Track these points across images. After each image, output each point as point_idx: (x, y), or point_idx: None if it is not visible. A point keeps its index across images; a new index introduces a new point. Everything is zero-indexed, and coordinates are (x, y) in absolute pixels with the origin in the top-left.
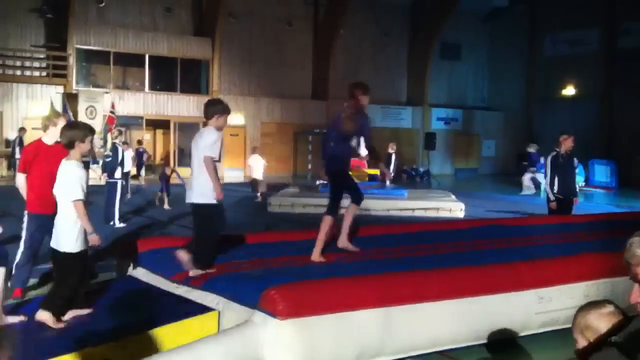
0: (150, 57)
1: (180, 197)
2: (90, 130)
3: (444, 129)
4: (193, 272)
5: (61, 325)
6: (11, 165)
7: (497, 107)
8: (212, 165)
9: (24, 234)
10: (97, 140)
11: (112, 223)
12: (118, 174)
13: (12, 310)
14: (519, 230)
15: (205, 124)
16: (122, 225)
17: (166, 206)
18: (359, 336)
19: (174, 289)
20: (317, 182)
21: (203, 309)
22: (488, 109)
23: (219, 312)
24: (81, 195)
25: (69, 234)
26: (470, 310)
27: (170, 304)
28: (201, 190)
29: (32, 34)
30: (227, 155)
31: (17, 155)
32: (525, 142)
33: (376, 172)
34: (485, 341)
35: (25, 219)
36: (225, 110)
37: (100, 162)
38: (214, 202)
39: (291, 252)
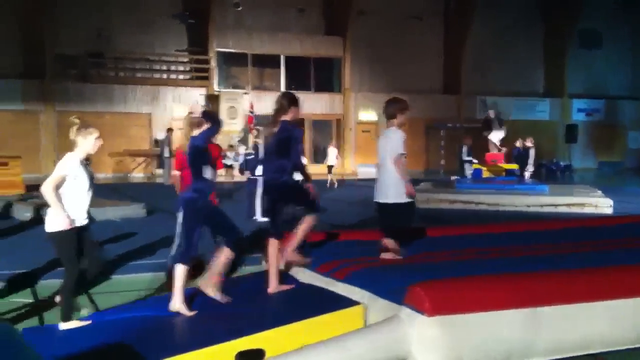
0: (284, 57)
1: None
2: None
3: (586, 121)
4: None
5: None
6: (161, 164)
7: None
8: (403, 164)
9: (178, 227)
10: (236, 139)
11: (254, 218)
12: (259, 171)
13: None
14: None
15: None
16: (264, 219)
17: None
18: (506, 336)
19: (318, 281)
20: (452, 178)
21: (349, 303)
22: (634, 98)
23: (365, 306)
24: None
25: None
26: (624, 313)
27: (315, 296)
28: (392, 190)
29: (176, 40)
30: (358, 152)
31: (166, 155)
32: None
33: (514, 166)
34: None
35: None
36: (406, 108)
37: (240, 160)
38: (406, 200)
39: (432, 248)
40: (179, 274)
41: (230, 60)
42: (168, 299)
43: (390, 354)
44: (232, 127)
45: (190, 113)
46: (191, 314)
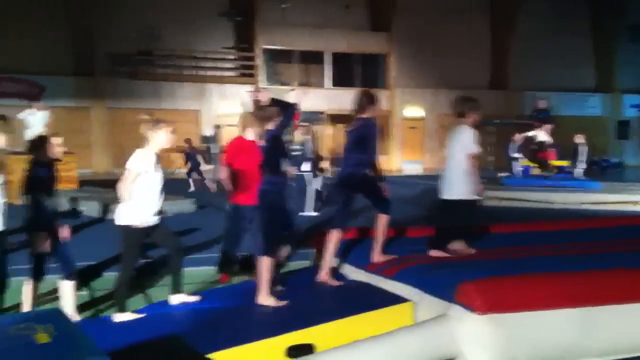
0: (330, 53)
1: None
2: None
3: (638, 117)
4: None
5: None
6: (208, 160)
7: None
8: (473, 162)
9: (228, 223)
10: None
11: (304, 213)
12: (307, 166)
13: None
14: None
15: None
16: (314, 214)
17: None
18: (559, 336)
19: (367, 278)
20: (499, 175)
21: (398, 300)
22: None
23: (414, 303)
24: None
25: None
26: None
27: (364, 293)
28: (458, 187)
29: (223, 37)
30: (405, 148)
31: (214, 151)
32: None
33: (565, 163)
34: None
35: (228, 209)
36: (477, 107)
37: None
38: (473, 197)
39: (482, 246)
40: (263, 266)
41: (275, 57)
42: (218, 292)
43: (440, 352)
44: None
45: (257, 102)
46: (281, 304)
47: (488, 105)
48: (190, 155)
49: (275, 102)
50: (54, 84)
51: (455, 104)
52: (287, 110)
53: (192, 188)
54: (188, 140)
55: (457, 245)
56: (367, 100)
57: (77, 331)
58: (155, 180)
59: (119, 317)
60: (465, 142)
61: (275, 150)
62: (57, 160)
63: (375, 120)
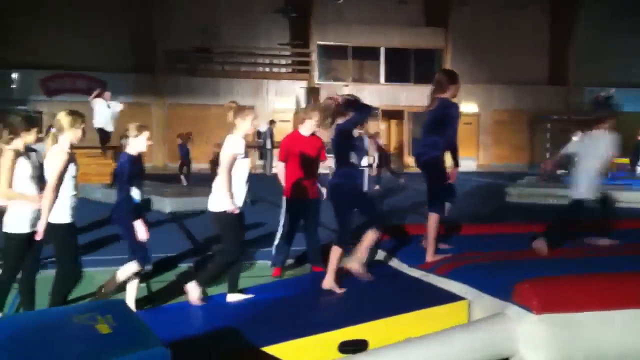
0: (384, 49)
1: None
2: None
3: None
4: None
5: None
6: (262, 156)
7: None
8: (608, 165)
9: (282, 218)
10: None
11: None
12: (364, 162)
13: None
14: None
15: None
16: None
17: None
18: (620, 337)
19: (421, 276)
20: (558, 172)
21: (453, 298)
22: None
23: (469, 301)
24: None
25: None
26: None
27: (419, 290)
28: (586, 187)
29: (278, 34)
30: (459, 144)
31: (268, 146)
32: None
33: (625, 160)
34: None
35: (284, 203)
36: (614, 115)
37: None
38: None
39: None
40: (334, 255)
41: (330, 53)
42: (272, 286)
43: (495, 351)
44: None
45: (331, 99)
46: (341, 291)
47: (546, 101)
48: (183, 148)
49: (348, 103)
50: (116, 80)
51: (593, 108)
52: (362, 108)
53: (185, 183)
54: (185, 134)
55: (539, 243)
56: (447, 79)
57: (137, 322)
58: (245, 165)
59: (232, 298)
60: (603, 147)
61: (344, 143)
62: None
63: (455, 101)
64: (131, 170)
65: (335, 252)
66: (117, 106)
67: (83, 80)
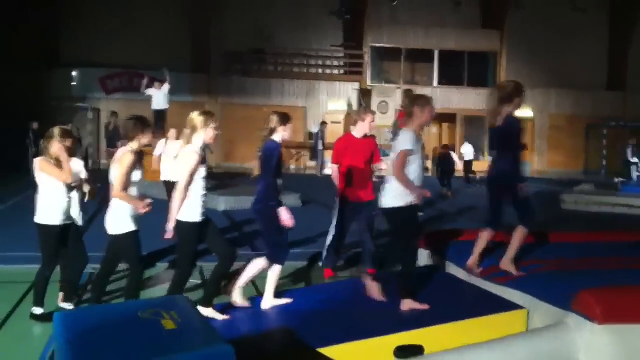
0: (438, 51)
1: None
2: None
3: None
4: None
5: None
6: (314, 157)
7: None
8: None
9: (334, 219)
10: (388, 134)
11: None
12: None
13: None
14: None
15: None
16: (420, 214)
17: None
18: None
19: (480, 283)
20: (616, 180)
21: (511, 306)
22: None
23: (528, 310)
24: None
25: None
26: None
27: (477, 297)
28: None
29: (332, 35)
30: None
31: (320, 147)
32: None
33: None
34: None
35: (337, 205)
36: None
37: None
38: None
39: (597, 254)
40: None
41: (383, 55)
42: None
43: None
44: (383, 121)
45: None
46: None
47: (604, 107)
48: None
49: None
50: (174, 80)
51: None
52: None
53: None
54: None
55: None
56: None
57: (200, 318)
58: (419, 157)
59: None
60: None
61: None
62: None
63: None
64: (279, 158)
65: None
66: (166, 87)
67: (140, 78)
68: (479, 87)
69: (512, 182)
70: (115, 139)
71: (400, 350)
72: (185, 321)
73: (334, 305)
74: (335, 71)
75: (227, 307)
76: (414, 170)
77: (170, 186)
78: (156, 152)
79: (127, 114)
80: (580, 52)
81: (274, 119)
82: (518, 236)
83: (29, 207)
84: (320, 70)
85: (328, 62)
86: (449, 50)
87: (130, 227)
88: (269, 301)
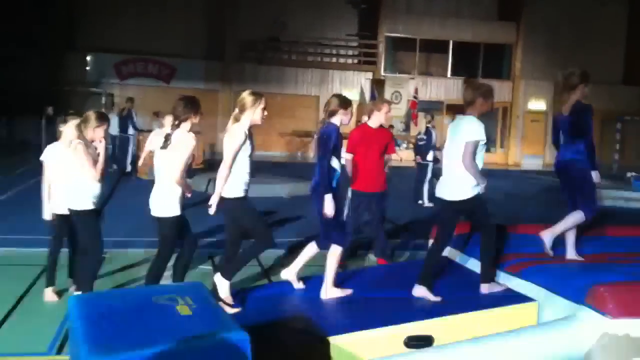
0: (453, 42)
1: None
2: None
3: None
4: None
5: None
6: None
7: None
8: None
9: (346, 208)
10: (399, 124)
11: (420, 202)
12: (430, 156)
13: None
14: None
15: None
16: (430, 205)
17: None
18: None
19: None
20: (628, 175)
21: (522, 298)
22: None
23: (539, 303)
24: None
25: None
26: None
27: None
28: None
29: (347, 25)
30: (525, 142)
31: None
32: None
33: None
34: None
35: (349, 195)
36: None
37: (404, 145)
38: None
39: (610, 249)
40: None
41: (397, 45)
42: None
43: (567, 354)
44: (395, 112)
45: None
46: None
47: (619, 101)
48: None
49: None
50: (188, 67)
51: None
52: None
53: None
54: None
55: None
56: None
57: (215, 304)
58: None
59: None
60: None
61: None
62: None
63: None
64: (337, 141)
65: None
66: None
67: (155, 65)
68: (493, 78)
69: (582, 169)
70: (126, 125)
71: (410, 340)
72: (201, 307)
73: (348, 294)
74: (349, 60)
75: (241, 293)
76: (480, 159)
77: None
78: (147, 146)
79: (142, 99)
80: (597, 46)
81: (334, 102)
82: (571, 219)
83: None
84: (334, 60)
85: (342, 52)
86: (465, 41)
87: (178, 211)
88: (329, 290)
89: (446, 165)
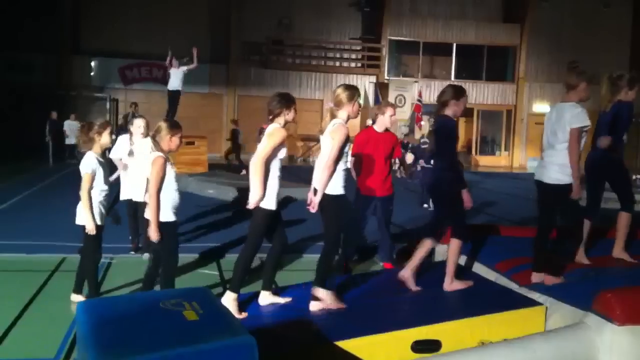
0: (457, 45)
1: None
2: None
3: None
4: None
5: None
6: None
7: None
8: None
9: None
10: (404, 128)
11: (425, 206)
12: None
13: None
14: None
15: None
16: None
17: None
18: None
19: (497, 279)
20: (634, 177)
21: (529, 303)
22: None
23: (546, 307)
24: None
25: None
26: None
27: (495, 293)
28: None
29: (351, 28)
30: (529, 145)
31: None
32: None
33: None
34: None
35: (354, 198)
36: None
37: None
38: None
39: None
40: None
41: (401, 48)
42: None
43: None
44: (400, 115)
45: None
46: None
47: None
48: (236, 132)
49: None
50: (191, 70)
51: None
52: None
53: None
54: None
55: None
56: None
57: (222, 309)
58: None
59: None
60: None
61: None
62: None
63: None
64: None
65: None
66: (184, 68)
67: (160, 69)
68: (497, 81)
69: (617, 164)
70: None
71: (417, 344)
72: (208, 312)
73: (352, 299)
74: (353, 64)
75: (250, 299)
76: (581, 145)
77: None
78: (114, 154)
79: (146, 104)
80: (603, 47)
81: (449, 91)
82: (623, 222)
83: (45, 195)
84: (337, 63)
85: (346, 55)
86: (468, 43)
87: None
88: (451, 283)
89: (547, 149)
